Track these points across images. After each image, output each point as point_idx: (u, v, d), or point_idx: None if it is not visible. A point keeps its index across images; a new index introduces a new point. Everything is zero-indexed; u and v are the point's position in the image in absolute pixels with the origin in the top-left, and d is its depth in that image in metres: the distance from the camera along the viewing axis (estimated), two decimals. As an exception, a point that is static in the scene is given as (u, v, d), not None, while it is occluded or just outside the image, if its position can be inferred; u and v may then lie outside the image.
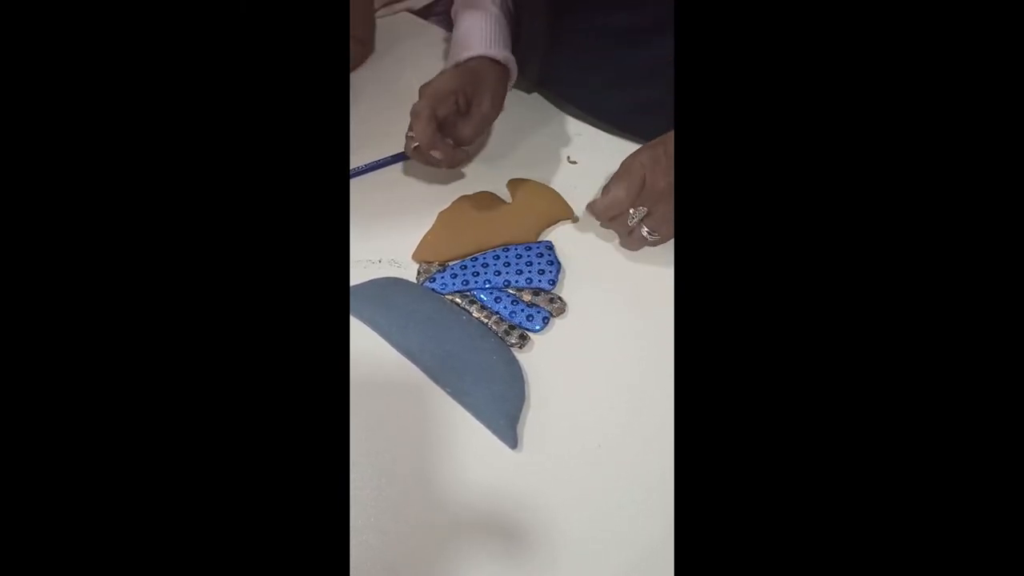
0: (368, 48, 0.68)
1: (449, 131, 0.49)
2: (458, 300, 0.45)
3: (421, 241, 0.49)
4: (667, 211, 0.44)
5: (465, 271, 0.47)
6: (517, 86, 0.62)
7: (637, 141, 0.56)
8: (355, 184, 0.54)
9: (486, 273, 0.46)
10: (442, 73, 0.51)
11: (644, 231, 0.45)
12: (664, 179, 0.44)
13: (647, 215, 0.45)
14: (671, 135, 0.46)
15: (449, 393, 0.41)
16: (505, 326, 0.44)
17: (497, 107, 0.51)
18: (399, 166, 0.55)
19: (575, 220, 0.51)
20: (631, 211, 0.45)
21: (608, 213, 0.46)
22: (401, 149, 0.55)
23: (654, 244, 0.47)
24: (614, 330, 0.44)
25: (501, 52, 0.53)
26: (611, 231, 0.50)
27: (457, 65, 0.52)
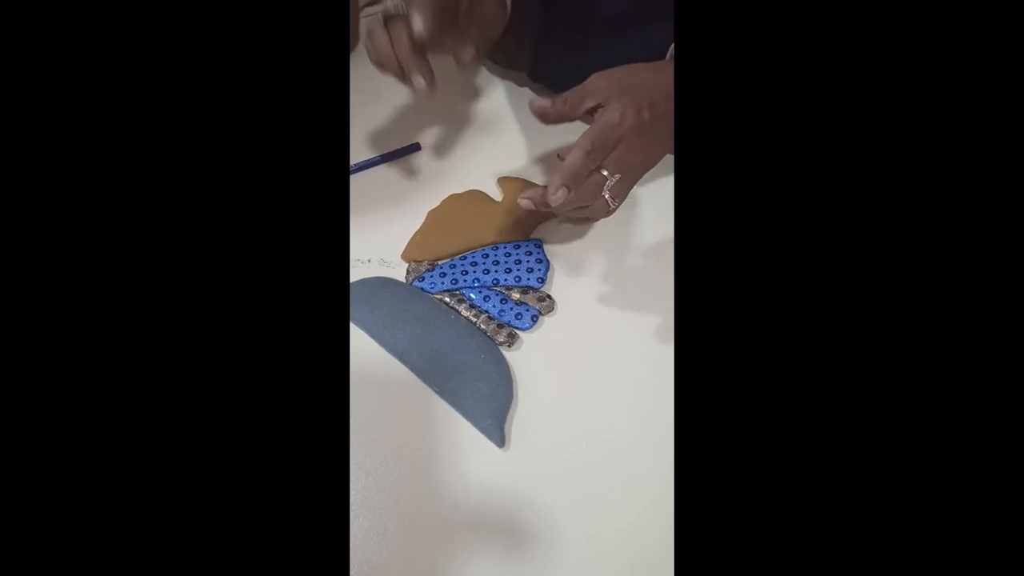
0: (352, 41, 0.67)
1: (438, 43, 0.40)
2: (447, 299, 0.45)
3: (410, 240, 0.49)
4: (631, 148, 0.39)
5: (454, 270, 0.47)
6: (508, 77, 0.61)
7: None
8: (345, 183, 0.54)
9: (475, 272, 0.46)
10: None
11: (604, 172, 0.40)
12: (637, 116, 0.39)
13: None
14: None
15: (437, 392, 0.41)
16: (494, 325, 0.44)
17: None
18: (389, 165, 0.55)
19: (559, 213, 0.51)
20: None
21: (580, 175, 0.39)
22: (391, 148, 0.55)
23: (612, 196, 0.40)
24: (603, 328, 0.45)
25: None
26: (590, 224, 0.50)
27: None
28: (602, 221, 0.50)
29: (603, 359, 0.43)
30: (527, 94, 0.62)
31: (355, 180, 0.54)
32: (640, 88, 0.41)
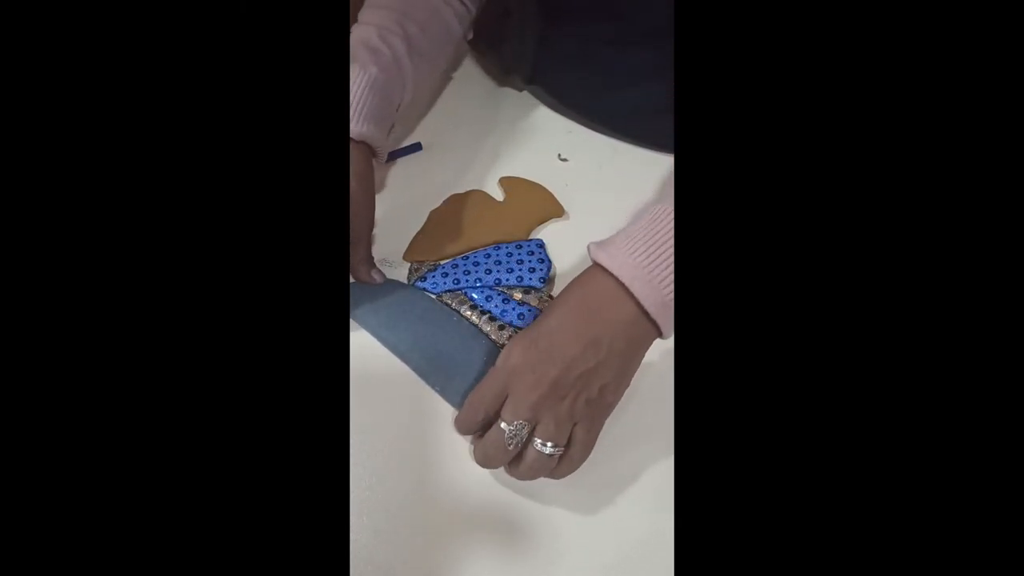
0: None
1: None
2: (449, 300, 0.45)
3: (412, 241, 0.49)
4: (554, 418, 0.34)
5: (456, 270, 0.47)
6: (509, 84, 0.62)
7: (628, 140, 0.56)
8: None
9: (477, 272, 0.46)
10: None
11: (538, 444, 0.34)
12: (536, 390, 0.34)
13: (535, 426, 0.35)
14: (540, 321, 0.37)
15: (439, 392, 0.41)
16: (496, 325, 0.44)
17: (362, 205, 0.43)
18: (391, 164, 0.55)
19: (563, 216, 0.51)
20: (504, 426, 0.34)
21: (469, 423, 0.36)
22: (393, 148, 0.55)
23: (558, 471, 0.35)
24: (605, 328, 0.45)
25: (358, 127, 0.43)
26: (592, 225, 0.50)
27: None
28: (603, 223, 0.50)
29: (605, 359, 0.43)
30: (526, 96, 0.62)
31: (356, 180, 0.54)
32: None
